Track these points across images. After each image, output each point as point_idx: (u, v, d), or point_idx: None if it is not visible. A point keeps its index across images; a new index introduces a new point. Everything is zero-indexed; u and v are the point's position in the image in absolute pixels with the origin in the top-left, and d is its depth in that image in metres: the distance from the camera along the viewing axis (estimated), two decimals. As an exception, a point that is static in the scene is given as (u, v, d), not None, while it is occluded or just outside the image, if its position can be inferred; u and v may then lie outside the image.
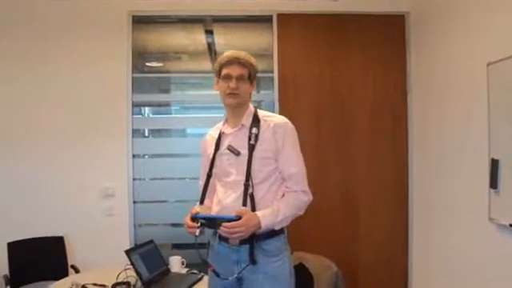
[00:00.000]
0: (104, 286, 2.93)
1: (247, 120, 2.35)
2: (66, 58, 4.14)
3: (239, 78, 2.30)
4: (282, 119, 2.39)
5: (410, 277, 4.25)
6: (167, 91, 4.72)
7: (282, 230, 2.31)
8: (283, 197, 2.31)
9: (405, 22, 4.27)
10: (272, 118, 2.37)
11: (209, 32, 4.48)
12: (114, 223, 4.13)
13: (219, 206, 2.34)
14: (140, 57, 4.38)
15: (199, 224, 2.21)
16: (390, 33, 4.27)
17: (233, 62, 2.31)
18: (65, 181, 4.10)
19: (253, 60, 2.38)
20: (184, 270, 3.35)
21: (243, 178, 2.24)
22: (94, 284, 2.96)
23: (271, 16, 4.24)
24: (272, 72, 4.20)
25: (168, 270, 3.30)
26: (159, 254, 3.36)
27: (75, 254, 4.05)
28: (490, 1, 3.02)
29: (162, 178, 4.39)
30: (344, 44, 4.26)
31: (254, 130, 2.30)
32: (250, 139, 2.29)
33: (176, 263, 3.37)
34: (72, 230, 4.06)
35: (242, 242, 2.22)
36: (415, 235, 4.20)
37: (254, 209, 2.21)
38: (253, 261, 2.21)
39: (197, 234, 2.22)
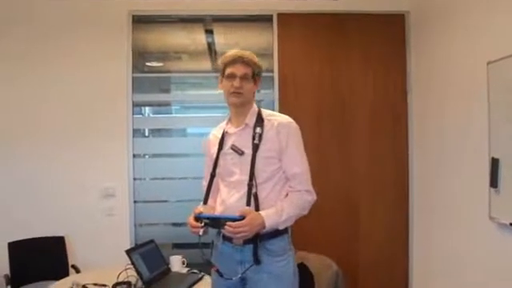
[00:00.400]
0: (105, 285, 2.93)
1: (251, 119, 2.35)
2: (66, 57, 4.14)
3: (243, 77, 2.30)
4: (286, 118, 2.37)
5: (410, 276, 4.25)
6: (167, 91, 4.72)
7: (285, 230, 2.30)
8: (287, 196, 2.30)
9: (405, 22, 4.27)
10: (276, 118, 2.36)
11: (209, 32, 4.48)
12: (115, 223, 4.13)
13: (223, 205, 2.33)
14: (140, 56, 4.38)
15: (203, 224, 2.20)
16: (390, 32, 4.27)
17: (237, 60, 2.31)
18: (65, 181, 4.11)
19: (257, 59, 2.38)
20: (184, 270, 3.35)
21: (247, 177, 2.23)
22: (95, 284, 2.96)
23: (271, 15, 4.24)
24: (272, 71, 4.20)
25: (169, 270, 3.30)
26: (160, 253, 3.36)
27: (76, 253, 4.05)
28: (489, 0, 3.02)
29: (163, 178, 4.39)
30: (344, 43, 4.26)
31: (258, 130, 2.29)
32: (253, 139, 2.28)
33: (176, 263, 3.37)
34: (72, 230, 4.06)
35: (246, 241, 2.21)
36: (415, 234, 4.21)
37: (257, 208, 2.21)
38: (257, 261, 2.20)
39: (200, 233, 2.21)
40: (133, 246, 3.91)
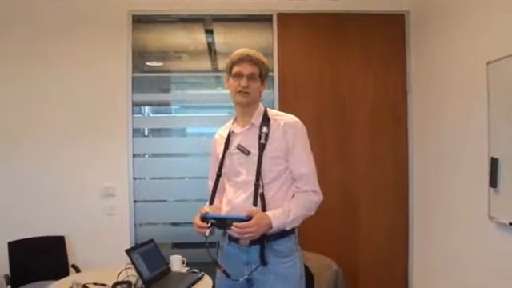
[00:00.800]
0: (105, 285, 2.93)
1: (257, 119, 2.34)
2: (66, 57, 4.14)
3: (250, 77, 2.29)
4: (292, 118, 2.36)
5: (410, 276, 4.25)
6: (167, 91, 4.72)
7: (292, 231, 2.28)
8: (293, 197, 2.28)
9: (405, 21, 4.27)
10: (282, 117, 2.35)
11: (209, 31, 4.48)
12: (115, 222, 4.13)
13: (229, 205, 2.32)
14: (140, 56, 4.38)
15: (209, 224, 2.18)
16: (390, 32, 4.28)
17: (244, 59, 2.30)
18: (65, 180, 4.11)
19: (264, 59, 2.37)
20: (184, 269, 3.35)
21: (253, 177, 2.21)
22: (95, 283, 2.95)
23: (271, 15, 4.25)
24: (272, 71, 4.20)
25: (168, 269, 3.30)
26: (160, 253, 3.36)
27: (76, 253, 4.05)
28: (489, 0, 3.02)
29: (162, 178, 4.39)
30: (344, 43, 4.27)
31: (264, 130, 2.28)
32: (260, 138, 2.26)
33: (176, 262, 3.36)
34: (72, 230, 4.06)
35: (253, 242, 2.19)
36: (415, 234, 4.21)
37: (264, 209, 2.19)
38: (263, 262, 2.19)
39: (207, 234, 2.18)
40: (133, 245, 3.91)
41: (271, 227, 2.15)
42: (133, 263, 3.01)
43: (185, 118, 4.73)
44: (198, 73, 4.73)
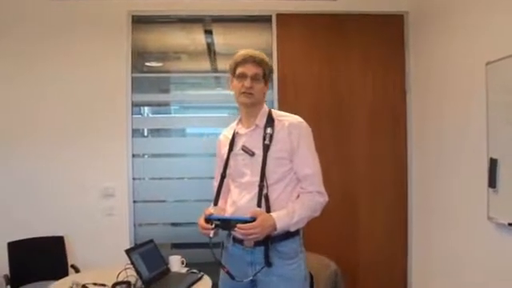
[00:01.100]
0: (104, 285, 2.93)
1: (261, 120, 2.33)
2: (66, 57, 4.15)
3: (254, 78, 2.28)
4: (297, 119, 2.35)
5: (409, 276, 4.26)
6: (167, 91, 4.73)
7: (297, 232, 2.28)
8: (298, 198, 2.27)
9: (404, 22, 4.27)
10: (287, 118, 2.34)
11: (208, 32, 4.48)
12: (114, 223, 4.13)
13: (234, 206, 2.31)
14: (139, 57, 4.38)
15: (213, 225, 2.17)
16: (389, 32, 4.28)
17: (248, 60, 2.29)
18: (65, 181, 4.11)
19: (268, 60, 2.36)
20: (184, 270, 3.35)
21: (258, 178, 2.21)
22: (94, 283, 2.96)
23: (270, 16, 4.25)
24: (273, 71, 4.19)
25: (168, 270, 3.30)
26: (159, 253, 3.36)
27: (75, 253, 4.05)
28: (488, 1, 3.02)
29: (162, 178, 4.39)
30: (343, 44, 4.27)
31: (269, 130, 2.27)
32: (264, 139, 2.26)
33: (176, 263, 3.36)
34: (72, 230, 4.06)
35: (257, 243, 2.18)
36: (414, 234, 4.21)
37: (268, 210, 2.18)
38: (268, 263, 2.18)
39: (211, 235, 2.18)
40: (132, 245, 3.92)
41: (275, 228, 2.15)
42: (132, 263, 3.02)
43: (184, 119, 4.73)
44: (198, 73, 4.73)
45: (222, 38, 4.57)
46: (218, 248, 2.33)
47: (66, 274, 3.79)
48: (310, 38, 4.28)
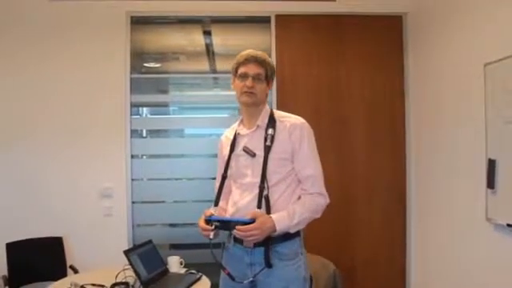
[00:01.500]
0: (103, 286, 2.93)
1: (263, 121, 2.32)
2: (65, 58, 4.14)
3: (256, 77, 2.28)
4: (299, 120, 2.35)
5: (408, 277, 4.26)
6: (165, 92, 4.73)
7: (297, 233, 2.27)
8: (299, 199, 2.27)
9: (402, 23, 4.28)
10: (289, 119, 2.33)
11: (207, 33, 4.48)
12: (113, 223, 4.13)
13: (234, 207, 2.31)
14: (138, 57, 4.38)
15: (213, 227, 2.17)
16: (387, 34, 4.29)
17: (250, 60, 2.29)
18: (63, 181, 4.11)
19: (270, 60, 2.37)
20: (182, 270, 3.35)
21: (259, 179, 2.20)
22: (93, 284, 2.96)
23: (269, 17, 4.25)
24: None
25: (166, 270, 3.30)
26: (158, 254, 3.36)
27: (74, 254, 4.04)
28: (487, 2, 3.03)
29: (160, 179, 4.39)
30: (342, 45, 4.27)
31: (270, 131, 2.27)
32: (265, 140, 2.25)
33: (174, 263, 3.37)
34: (71, 231, 4.06)
35: (257, 244, 2.18)
36: (413, 235, 4.22)
37: (269, 211, 2.17)
38: (268, 264, 2.17)
39: (211, 236, 2.17)
40: (131, 246, 3.92)
41: (275, 230, 2.14)
42: (131, 264, 3.01)
43: (183, 119, 4.72)
44: (196, 74, 4.72)
45: (220, 39, 4.57)
46: (218, 249, 2.32)
47: (64, 274, 3.79)
48: (309, 39, 4.28)
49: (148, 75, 4.58)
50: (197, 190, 4.19)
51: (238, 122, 2.46)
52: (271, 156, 2.23)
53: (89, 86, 4.15)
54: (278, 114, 2.38)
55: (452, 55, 3.51)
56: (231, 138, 2.42)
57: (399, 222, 4.26)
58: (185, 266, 3.40)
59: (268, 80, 2.35)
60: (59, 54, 4.14)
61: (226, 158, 2.39)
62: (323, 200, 2.29)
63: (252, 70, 2.28)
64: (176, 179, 4.37)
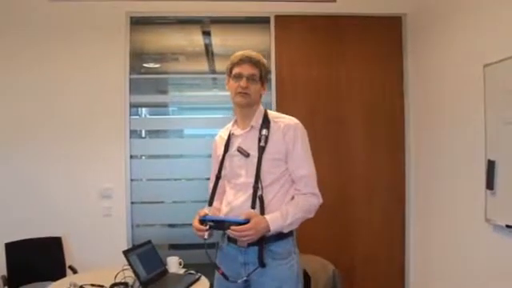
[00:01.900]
0: (102, 286, 2.93)
1: (257, 121, 2.33)
2: (64, 58, 4.15)
3: (250, 78, 2.28)
4: (293, 120, 2.35)
5: (407, 277, 4.27)
6: (165, 92, 4.73)
7: (291, 233, 2.28)
8: (293, 199, 2.28)
9: (402, 24, 4.28)
10: (283, 120, 2.34)
11: (206, 33, 4.48)
12: (112, 224, 4.13)
13: (228, 207, 2.32)
14: (138, 58, 4.38)
15: (208, 227, 2.19)
16: (387, 34, 4.29)
17: (244, 61, 2.29)
18: (63, 181, 4.11)
19: (265, 61, 2.37)
20: (181, 271, 3.35)
21: (253, 179, 2.22)
22: (92, 284, 2.95)
23: (269, 17, 4.25)
24: (269, 73, 4.20)
25: (166, 271, 3.30)
26: (157, 254, 3.35)
27: (73, 254, 4.05)
28: (486, 3, 3.03)
29: (159, 179, 4.39)
30: (341, 45, 4.28)
31: (264, 132, 2.28)
32: (259, 141, 2.26)
33: (173, 264, 3.37)
34: (70, 231, 4.06)
35: (250, 244, 2.19)
36: (412, 235, 4.22)
37: (263, 211, 2.19)
38: (261, 263, 2.18)
39: (206, 236, 2.19)
40: (130, 246, 3.92)
41: (269, 230, 2.15)
42: (130, 264, 3.01)
43: (182, 120, 4.72)
44: (196, 74, 4.72)
45: (220, 40, 4.57)
46: (212, 249, 2.33)
47: (63, 275, 3.80)
48: (308, 39, 4.28)
49: (147, 76, 4.58)
50: (196, 191, 4.18)
51: (232, 122, 2.47)
52: (265, 156, 2.24)
53: (88, 87, 4.15)
54: (271, 114, 2.39)
55: (451, 56, 3.51)
56: (225, 138, 2.43)
57: (398, 223, 4.27)
58: (184, 267, 3.40)
59: (262, 81, 2.36)
60: (59, 54, 4.14)
61: (220, 158, 2.40)
62: (316, 200, 2.31)
63: (246, 70, 2.29)
64: (175, 179, 4.37)
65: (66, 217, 4.08)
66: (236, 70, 2.30)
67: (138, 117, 4.47)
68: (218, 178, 2.41)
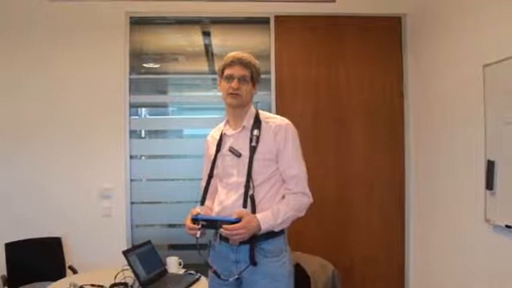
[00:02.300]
0: (102, 286, 2.93)
1: (248, 122, 2.36)
2: (64, 59, 4.15)
3: (241, 79, 2.31)
4: (284, 120, 2.38)
5: (407, 277, 4.26)
6: (164, 92, 4.74)
7: (282, 231, 2.31)
8: (283, 199, 2.31)
9: (402, 24, 4.28)
10: (274, 120, 2.38)
11: (206, 33, 4.48)
12: (112, 224, 4.13)
13: (220, 206, 2.34)
14: (137, 58, 4.37)
15: (200, 226, 2.21)
16: (387, 35, 4.29)
17: (235, 62, 2.32)
18: (62, 182, 4.11)
19: (256, 62, 2.39)
20: (181, 271, 3.35)
21: (244, 179, 2.25)
22: (92, 285, 2.95)
23: (268, 18, 4.25)
24: (269, 74, 4.21)
25: (165, 271, 3.30)
26: (157, 254, 3.35)
27: (73, 254, 4.04)
28: (486, 4, 3.03)
29: (159, 179, 4.39)
30: (341, 46, 4.27)
31: (256, 132, 2.31)
32: (251, 141, 2.29)
33: (173, 264, 3.37)
34: (70, 231, 4.06)
35: (242, 242, 2.21)
36: (412, 235, 4.22)
37: (254, 210, 2.22)
38: (253, 261, 2.21)
39: (198, 235, 2.22)
40: (129, 246, 3.92)
41: (260, 229, 2.19)
42: (130, 265, 3.01)
43: (182, 120, 4.72)
44: (195, 75, 4.72)
45: (219, 40, 4.57)
46: (205, 249, 2.37)
47: (63, 275, 3.80)
48: (308, 39, 4.28)
49: (147, 76, 4.57)
50: (196, 191, 4.12)
51: (224, 122, 2.50)
52: (256, 156, 2.27)
53: (88, 87, 4.15)
54: (263, 114, 2.42)
55: (451, 56, 3.51)
56: (217, 137, 2.46)
57: (398, 223, 4.27)
58: (184, 267, 3.41)
59: (253, 81, 2.38)
60: (59, 54, 4.14)
61: (212, 157, 2.43)
62: (307, 199, 2.33)
63: (237, 71, 2.31)
64: (175, 180, 4.37)
65: (66, 217, 4.08)
66: (227, 72, 2.33)
67: (137, 117, 4.47)
68: (210, 177, 2.44)
